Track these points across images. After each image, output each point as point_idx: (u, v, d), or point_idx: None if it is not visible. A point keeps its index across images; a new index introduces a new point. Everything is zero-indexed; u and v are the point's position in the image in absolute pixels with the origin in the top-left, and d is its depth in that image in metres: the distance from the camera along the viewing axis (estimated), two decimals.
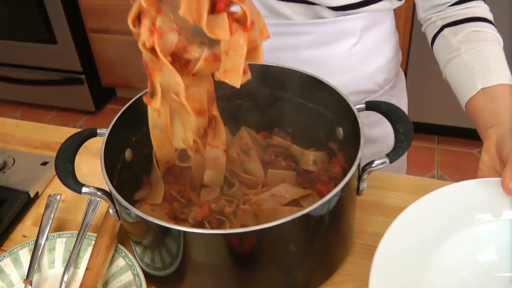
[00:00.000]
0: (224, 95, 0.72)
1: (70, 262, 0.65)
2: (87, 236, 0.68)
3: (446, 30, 0.83)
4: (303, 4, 0.80)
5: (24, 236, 0.73)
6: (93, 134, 0.65)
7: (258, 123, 0.74)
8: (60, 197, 0.73)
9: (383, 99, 0.92)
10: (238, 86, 0.53)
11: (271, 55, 0.84)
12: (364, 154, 0.94)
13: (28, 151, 0.87)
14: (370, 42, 0.86)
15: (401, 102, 0.98)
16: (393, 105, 0.63)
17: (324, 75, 0.85)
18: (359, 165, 0.57)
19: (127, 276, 0.63)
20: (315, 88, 0.67)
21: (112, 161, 0.63)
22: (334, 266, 0.63)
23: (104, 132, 0.63)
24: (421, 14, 0.88)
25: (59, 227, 0.73)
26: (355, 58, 0.86)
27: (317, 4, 0.79)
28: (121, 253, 0.66)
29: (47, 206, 0.72)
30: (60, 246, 0.68)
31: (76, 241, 0.67)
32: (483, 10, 0.83)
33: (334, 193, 0.52)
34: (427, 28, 0.87)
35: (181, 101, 0.53)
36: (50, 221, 0.70)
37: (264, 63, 0.71)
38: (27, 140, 0.90)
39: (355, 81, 0.88)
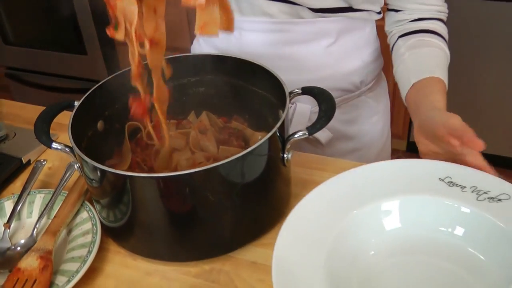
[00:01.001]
0: (190, 82, 0.84)
1: (44, 212, 0.76)
2: (61, 193, 0.79)
3: (400, 40, 0.92)
4: (288, 4, 0.89)
5: (12, 194, 0.85)
6: (70, 105, 0.77)
7: (219, 109, 0.85)
8: (45, 162, 0.85)
9: (360, 99, 1.01)
10: (217, 36, 0.60)
11: (252, 50, 0.94)
12: (340, 150, 1.03)
13: (30, 128, 1.00)
14: (347, 44, 0.95)
15: (380, 104, 1.06)
16: (323, 89, 0.73)
17: (303, 70, 0.95)
18: (282, 133, 0.67)
19: (87, 226, 0.74)
20: (262, 76, 0.77)
21: (84, 127, 0.75)
22: (263, 229, 0.72)
23: None
24: (386, 27, 0.98)
25: (41, 187, 0.85)
26: (331, 57, 0.95)
27: (299, 5, 0.89)
28: (86, 207, 0.76)
29: (33, 169, 0.84)
30: (38, 200, 0.80)
31: (52, 196, 0.79)
32: (437, 26, 0.92)
33: (247, 151, 0.62)
34: (390, 40, 0.97)
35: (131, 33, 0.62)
36: (34, 181, 0.82)
37: (225, 55, 0.83)
38: (31, 120, 1.03)
39: (332, 79, 0.96)
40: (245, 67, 0.79)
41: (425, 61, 0.84)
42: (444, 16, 0.93)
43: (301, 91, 0.74)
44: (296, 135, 0.68)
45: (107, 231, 0.74)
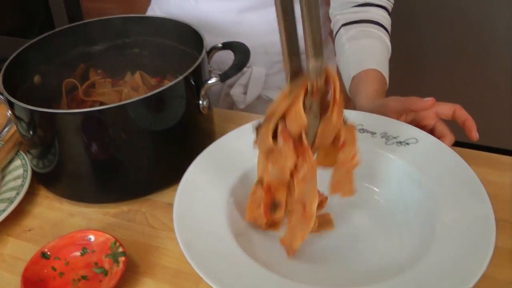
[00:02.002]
0: (125, 43, 0.89)
1: None
2: (1, 145, 0.84)
3: (342, 29, 0.96)
4: None
5: None
6: (4, 59, 0.81)
7: (153, 69, 0.89)
8: None
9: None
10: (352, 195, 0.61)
11: (207, 17, 0.99)
12: None
13: None
14: (297, 10, 1.00)
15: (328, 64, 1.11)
16: (241, 43, 0.78)
17: (260, 34, 1.00)
18: (196, 79, 0.72)
19: (19, 172, 0.78)
20: (190, 35, 0.81)
21: (20, 78, 0.79)
22: (180, 175, 0.75)
23: None
24: (331, 10, 1.02)
25: None
26: None
27: None
28: (20, 156, 0.81)
29: None
30: None
31: None
32: (381, 17, 0.95)
33: (157, 91, 0.66)
34: (333, 26, 1.01)
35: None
36: None
37: (152, 15, 0.87)
38: None
39: None
40: (173, 27, 0.83)
41: (364, 54, 0.89)
42: (389, 6, 0.97)
43: (221, 46, 0.79)
44: (209, 81, 0.73)
45: (38, 177, 0.79)
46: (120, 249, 0.64)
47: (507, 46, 1.90)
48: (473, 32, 1.94)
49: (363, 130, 0.74)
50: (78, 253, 0.66)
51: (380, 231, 0.65)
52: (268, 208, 0.61)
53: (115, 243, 0.65)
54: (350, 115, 0.75)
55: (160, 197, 0.75)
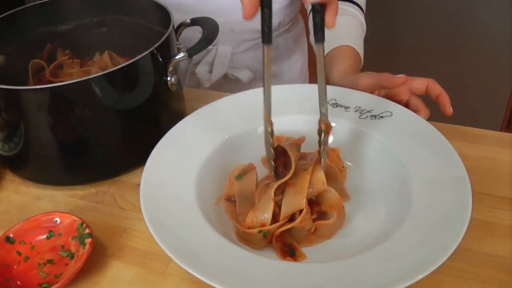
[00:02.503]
0: (93, 22, 0.86)
1: None
2: None
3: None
4: None
5: None
6: None
7: (123, 49, 0.86)
8: None
9: (279, 40, 1.05)
10: None
11: None
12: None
13: None
14: None
15: (297, 45, 1.11)
16: (209, 18, 0.75)
17: (226, 12, 0.98)
18: (163, 54, 0.69)
19: None
20: (156, 13, 0.79)
21: None
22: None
23: None
24: None
25: None
26: None
27: None
28: None
29: None
30: None
31: None
32: None
33: (121, 66, 0.64)
34: (307, 5, 0.99)
35: None
36: None
37: None
38: None
39: (252, 21, 0.99)
40: (141, 5, 0.81)
41: (338, 31, 0.87)
42: None
43: (190, 22, 0.76)
44: (176, 57, 0.70)
45: (3, 161, 0.76)
46: (87, 231, 0.61)
47: (482, 23, 1.90)
48: (447, 12, 1.93)
49: (336, 105, 0.72)
50: (44, 237, 0.63)
51: (355, 205, 0.64)
52: None
53: (81, 225, 0.62)
54: None
55: (129, 178, 0.73)
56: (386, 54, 2.03)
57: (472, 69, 1.99)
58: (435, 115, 0.73)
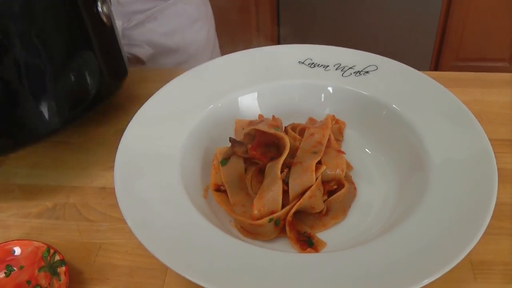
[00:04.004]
0: None
1: None
2: None
3: None
4: None
5: None
6: None
7: None
8: None
9: (177, 7, 0.95)
10: None
11: None
12: (165, 65, 0.97)
13: None
14: None
15: (200, 11, 1.00)
16: None
17: None
18: None
19: None
20: None
21: None
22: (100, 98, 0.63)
23: None
24: None
25: None
26: None
27: None
28: None
29: None
30: None
31: None
32: None
33: None
34: None
35: None
36: None
37: None
38: None
39: None
40: None
41: None
42: None
43: None
44: None
45: None
46: (57, 257, 0.51)
47: None
48: None
49: (312, 65, 0.65)
50: (1, 275, 0.52)
51: (360, 176, 0.57)
52: None
53: (48, 251, 0.51)
54: (293, 49, 0.67)
55: (88, 182, 0.62)
56: None
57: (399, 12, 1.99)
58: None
